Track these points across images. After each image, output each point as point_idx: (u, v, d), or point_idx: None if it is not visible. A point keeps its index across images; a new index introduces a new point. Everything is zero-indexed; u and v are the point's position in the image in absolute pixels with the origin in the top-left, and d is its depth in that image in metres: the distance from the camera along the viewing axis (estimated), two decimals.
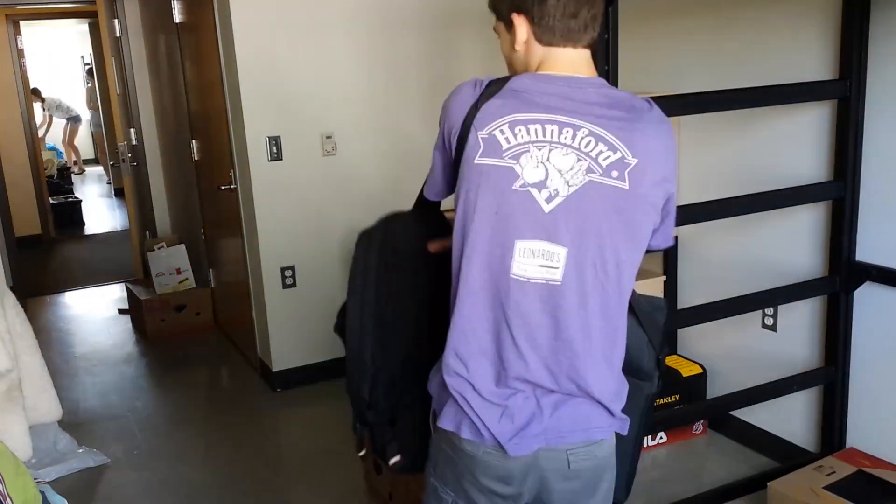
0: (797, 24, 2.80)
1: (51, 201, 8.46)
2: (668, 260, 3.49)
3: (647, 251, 1.56)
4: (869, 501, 2.50)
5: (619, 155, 1.39)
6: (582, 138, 1.39)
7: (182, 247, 5.25)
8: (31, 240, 7.71)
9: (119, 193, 9.87)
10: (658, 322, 1.65)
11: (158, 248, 5.25)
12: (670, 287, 3.51)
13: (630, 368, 1.56)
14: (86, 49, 11.44)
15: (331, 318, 4.28)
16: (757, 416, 3.23)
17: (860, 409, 2.84)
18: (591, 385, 1.45)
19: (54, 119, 11.79)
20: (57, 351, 4.94)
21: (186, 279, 5.23)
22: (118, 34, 5.82)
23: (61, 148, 12.35)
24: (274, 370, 4.13)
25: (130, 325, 5.40)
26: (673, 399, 3.34)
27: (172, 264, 5.21)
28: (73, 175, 11.54)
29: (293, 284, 4.08)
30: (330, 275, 4.16)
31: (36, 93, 11.23)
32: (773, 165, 2.99)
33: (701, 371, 3.38)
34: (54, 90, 12.08)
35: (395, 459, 1.71)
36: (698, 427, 3.40)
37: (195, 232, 5.38)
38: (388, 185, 4.23)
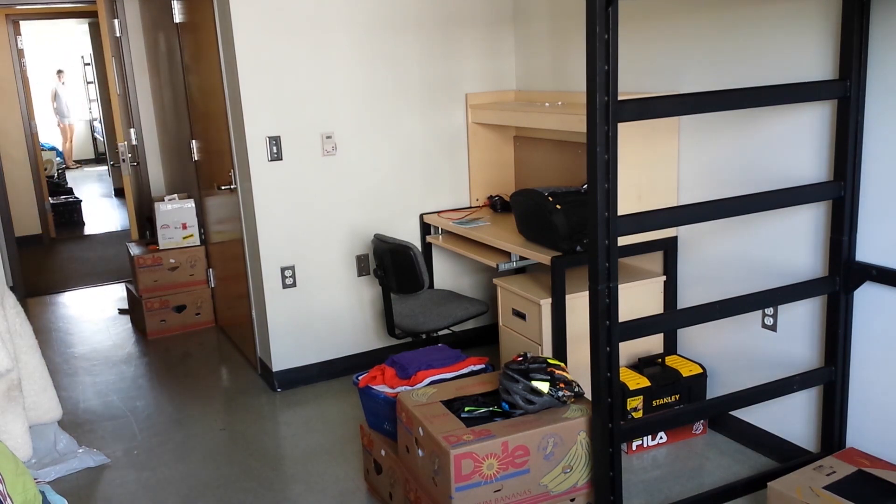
0: (797, 24, 2.80)
1: (51, 201, 8.46)
2: (668, 260, 3.49)
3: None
4: (869, 501, 2.49)
5: None
6: None
7: (191, 201, 5.18)
8: (31, 240, 7.72)
9: (119, 193, 9.89)
10: None
11: (169, 200, 5.19)
12: (670, 287, 3.51)
13: None
14: (86, 49, 11.46)
15: (331, 318, 4.32)
16: (757, 416, 3.23)
17: (860, 409, 2.84)
18: None
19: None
20: (57, 351, 4.95)
21: (191, 235, 5.17)
22: (118, 34, 5.83)
23: (61, 148, 12.55)
24: (274, 370, 4.13)
25: (130, 325, 5.41)
26: (673, 399, 3.34)
27: (179, 218, 5.14)
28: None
29: (293, 284, 4.08)
30: (330, 275, 4.16)
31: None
32: (773, 165, 2.99)
33: (701, 371, 3.38)
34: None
35: None
36: (698, 427, 3.40)
37: None
38: (388, 186, 4.23)
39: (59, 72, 12.76)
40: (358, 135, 4.10)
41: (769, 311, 3.09)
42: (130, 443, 3.67)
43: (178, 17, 4.62)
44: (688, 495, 2.91)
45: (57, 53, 12.70)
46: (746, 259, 3.17)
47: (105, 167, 12.13)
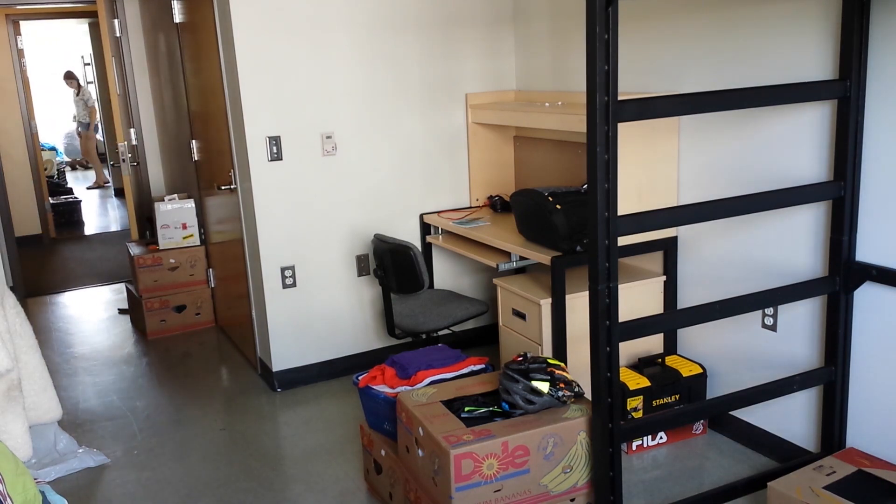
0: (797, 24, 2.80)
1: (51, 201, 8.46)
2: (668, 260, 3.49)
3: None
4: (869, 501, 2.50)
5: None
6: None
7: (191, 201, 5.18)
8: (31, 240, 7.72)
9: (119, 193, 9.89)
10: None
11: (169, 200, 5.19)
12: (670, 287, 3.51)
13: None
14: (86, 49, 11.46)
15: (331, 318, 4.33)
16: (757, 416, 3.23)
17: (860, 409, 2.84)
18: None
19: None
20: (57, 351, 4.95)
21: (191, 235, 5.17)
22: (118, 34, 5.83)
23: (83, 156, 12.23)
24: (274, 370, 4.13)
25: (130, 325, 5.41)
26: (673, 399, 3.34)
27: (179, 218, 5.14)
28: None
29: (293, 284, 4.08)
30: (330, 275, 4.16)
31: (71, 76, 11.46)
32: (773, 165, 2.99)
33: (701, 371, 3.38)
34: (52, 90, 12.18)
35: None
36: (698, 427, 3.40)
37: None
38: (388, 186, 4.23)
39: (71, 78, 11.52)
40: (358, 135, 4.10)
41: (769, 311, 3.09)
42: (130, 443, 3.67)
43: (178, 17, 4.62)
44: (688, 495, 2.91)
45: (57, 53, 12.68)
46: (746, 259, 3.17)
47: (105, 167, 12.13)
